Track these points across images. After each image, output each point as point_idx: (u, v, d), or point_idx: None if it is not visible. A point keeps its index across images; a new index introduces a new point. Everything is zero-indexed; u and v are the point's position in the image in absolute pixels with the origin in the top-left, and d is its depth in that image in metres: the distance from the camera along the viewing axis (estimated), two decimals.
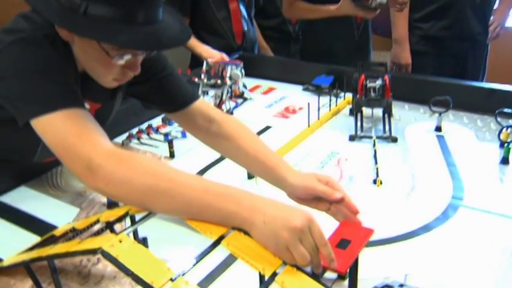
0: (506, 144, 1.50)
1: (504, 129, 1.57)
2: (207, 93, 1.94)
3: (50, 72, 0.95)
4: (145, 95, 1.27)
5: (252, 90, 2.19)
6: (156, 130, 1.78)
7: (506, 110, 1.70)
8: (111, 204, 1.22)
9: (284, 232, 0.75)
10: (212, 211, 0.80)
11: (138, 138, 1.72)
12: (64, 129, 0.90)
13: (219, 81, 1.88)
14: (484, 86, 1.91)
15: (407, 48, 2.42)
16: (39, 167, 1.44)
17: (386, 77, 1.68)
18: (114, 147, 0.89)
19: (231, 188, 0.83)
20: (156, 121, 1.85)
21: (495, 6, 2.56)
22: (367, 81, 1.69)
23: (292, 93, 2.14)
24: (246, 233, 0.79)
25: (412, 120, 1.82)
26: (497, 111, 1.69)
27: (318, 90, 2.05)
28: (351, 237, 0.88)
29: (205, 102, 1.29)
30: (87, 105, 1.08)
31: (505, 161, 1.48)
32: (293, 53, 2.83)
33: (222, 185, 0.83)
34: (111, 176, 0.83)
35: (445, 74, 2.30)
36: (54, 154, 0.91)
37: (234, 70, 1.91)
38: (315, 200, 1.04)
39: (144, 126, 1.80)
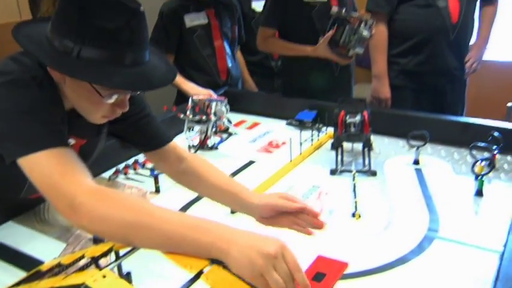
0: (480, 177, 1.55)
1: (478, 162, 1.62)
2: (193, 129, 1.99)
3: (36, 113, 1.00)
4: (123, 134, 1.35)
5: (237, 125, 2.24)
6: (143, 165, 1.82)
7: (480, 143, 1.76)
8: (97, 240, 1.25)
9: (259, 259, 0.78)
10: (189, 243, 0.83)
11: (125, 174, 1.76)
12: (49, 168, 0.94)
13: (204, 118, 1.93)
14: (459, 120, 1.98)
15: (386, 83, 2.50)
16: (26, 203, 1.47)
17: (366, 113, 1.74)
18: (96, 185, 0.93)
19: (206, 221, 0.87)
20: (143, 156, 1.88)
21: (471, 42, 2.65)
22: (347, 117, 1.75)
23: (276, 128, 2.20)
24: (225, 266, 0.82)
25: (392, 154, 1.88)
26: (471, 145, 1.75)
27: (301, 125, 2.11)
28: (326, 271, 0.92)
29: (176, 143, 1.37)
30: (72, 141, 1.16)
31: (479, 193, 1.53)
32: (277, 88, 2.90)
33: (198, 219, 0.87)
34: (93, 214, 0.88)
35: (424, 107, 2.37)
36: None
37: (219, 106, 1.97)
38: (281, 216, 1.14)
39: (130, 161, 1.84)
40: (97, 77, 0.99)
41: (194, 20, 2.45)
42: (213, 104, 1.96)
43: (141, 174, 1.76)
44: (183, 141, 2.00)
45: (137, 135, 1.33)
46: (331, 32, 2.17)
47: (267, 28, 2.41)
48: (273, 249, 0.80)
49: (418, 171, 1.72)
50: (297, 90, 2.42)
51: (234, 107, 2.28)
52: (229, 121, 2.14)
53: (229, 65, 2.56)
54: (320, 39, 2.24)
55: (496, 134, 1.75)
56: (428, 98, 2.52)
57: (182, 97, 2.34)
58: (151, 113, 1.35)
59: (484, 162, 1.63)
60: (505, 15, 3.67)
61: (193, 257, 0.83)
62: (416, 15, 2.41)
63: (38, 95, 1.02)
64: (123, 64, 1.00)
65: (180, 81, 2.40)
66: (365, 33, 2.11)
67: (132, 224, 0.86)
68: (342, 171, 1.70)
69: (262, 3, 2.79)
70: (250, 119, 2.32)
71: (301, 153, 1.84)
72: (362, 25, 2.11)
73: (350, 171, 1.68)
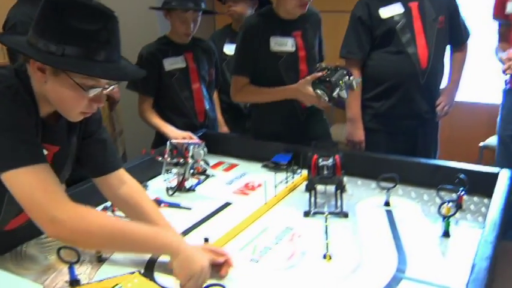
0: (446, 218, 1.61)
1: (445, 204, 1.68)
2: (170, 171, 2.04)
3: (14, 130, 1.14)
4: (78, 153, 1.46)
5: (214, 167, 2.29)
6: None
7: (446, 186, 1.83)
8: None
9: (190, 269, 1.23)
10: (151, 248, 1.30)
11: (113, 211, 1.78)
12: (29, 185, 1.11)
13: (181, 160, 1.98)
14: (429, 163, 2.06)
15: (360, 127, 2.58)
16: (2, 240, 1.49)
17: (337, 157, 1.81)
18: (74, 203, 1.14)
19: (165, 231, 1.34)
20: None
21: (442, 86, 2.75)
22: (320, 160, 1.82)
23: (253, 170, 2.25)
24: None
25: (364, 196, 1.94)
26: (438, 187, 1.82)
27: (277, 168, 2.16)
28: None
29: (123, 171, 1.50)
30: (46, 151, 1.27)
31: (446, 234, 1.59)
32: (248, 129, 2.95)
33: (157, 229, 1.32)
34: (73, 230, 1.10)
35: (397, 150, 2.44)
36: (16, 214, 1.06)
37: (196, 149, 2.03)
38: None
39: (109, 203, 1.86)
40: (81, 68, 1.14)
41: (173, 63, 2.53)
42: (191, 147, 2.01)
43: None
44: (161, 183, 2.04)
45: (89, 158, 1.47)
46: (320, 73, 2.12)
47: (241, 77, 2.34)
48: (206, 264, 1.26)
49: (389, 213, 1.77)
50: (265, 133, 2.42)
51: (212, 149, 2.33)
52: (207, 163, 2.19)
53: (207, 107, 2.63)
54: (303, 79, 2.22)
55: (462, 176, 1.82)
56: (402, 140, 2.60)
57: (160, 139, 2.39)
58: (108, 139, 1.49)
59: (450, 204, 1.69)
60: (475, 58, 3.82)
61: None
62: (388, 61, 2.52)
63: (13, 107, 1.15)
64: (101, 60, 1.17)
65: (160, 123, 2.46)
66: (354, 83, 2.13)
67: (108, 237, 1.16)
68: (315, 213, 1.75)
69: (233, 46, 2.89)
70: (228, 161, 2.37)
71: (275, 196, 1.89)
72: (352, 77, 2.13)
73: (323, 213, 1.73)
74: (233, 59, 2.39)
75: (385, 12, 2.52)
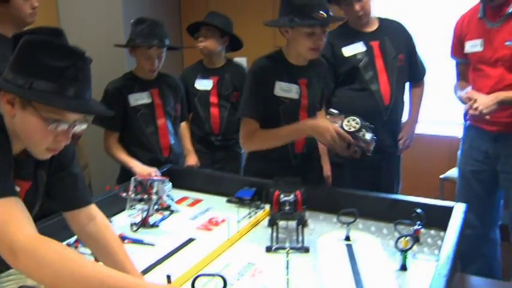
0: (404, 252, 1.66)
1: (402, 238, 1.73)
2: (134, 207, 2.05)
3: None
4: (49, 189, 1.47)
5: (179, 202, 2.30)
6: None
7: (404, 220, 1.89)
8: None
9: None
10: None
11: (76, 247, 1.77)
12: None
13: (145, 197, 2.00)
14: (388, 197, 2.12)
15: (326, 161, 2.63)
16: None
17: (299, 192, 1.85)
18: (35, 234, 1.13)
19: (119, 273, 1.15)
20: None
21: (403, 120, 2.85)
22: (281, 196, 1.86)
23: (217, 205, 2.27)
24: None
25: (326, 230, 1.98)
26: (396, 221, 1.87)
27: (240, 202, 2.19)
28: None
29: (94, 207, 1.51)
30: (18, 188, 1.27)
31: (403, 267, 1.64)
32: (217, 161, 2.99)
33: (113, 271, 1.14)
34: (30, 260, 1.08)
35: (361, 184, 2.51)
36: None
37: (161, 186, 2.05)
38: None
39: (72, 239, 1.86)
40: (46, 99, 1.18)
41: (138, 99, 2.56)
42: (155, 184, 2.04)
43: (82, 253, 1.78)
44: (125, 219, 2.05)
45: (60, 192, 1.48)
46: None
47: (251, 120, 2.21)
48: None
49: (349, 247, 1.81)
50: (257, 173, 2.34)
51: (177, 184, 2.36)
52: (171, 199, 2.21)
53: (172, 142, 2.66)
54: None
55: (418, 210, 1.88)
56: (366, 174, 2.67)
57: (125, 174, 2.41)
58: (80, 174, 1.51)
59: (408, 238, 1.74)
60: (436, 91, 3.96)
61: None
62: (352, 98, 2.59)
63: None
64: (69, 96, 1.20)
65: (125, 158, 2.48)
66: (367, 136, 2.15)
67: (62, 273, 1.07)
68: (276, 249, 1.78)
69: (204, 81, 2.93)
70: (193, 196, 2.39)
71: (238, 231, 1.91)
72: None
73: (284, 248, 1.76)
74: (242, 102, 2.26)
75: (348, 51, 2.62)
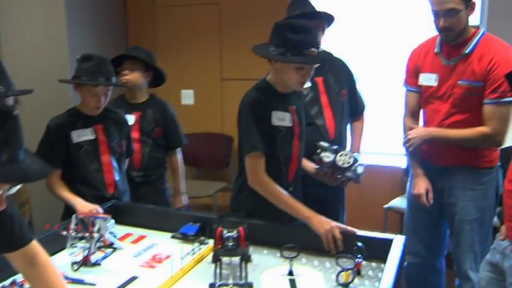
0: (345, 286, 1.69)
1: (343, 272, 1.77)
2: (75, 246, 2.01)
3: None
4: None
5: (122, 239, 2.27)
6: (21, 285, 1.79)
7: (345, 254, 1.92)
8: None
9: None
10: None
11: (21, 286, 1.72)
12: None
13: (87, 235, 1.96)
14: None
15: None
16: None
17: (242, 228, 1.86)
18: None
19: None
20: (20, 276, 1.86)
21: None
22: (225, 232, 1.87)
23: (162, 241, 2.25)
24: None
25: (270, 265, 1.99)
26: (337, 255, 1.90)
27: (185, 238, 2.19)
28: None
29: (34, 245, 1.49)
30: None
31: None
32: (140, 197, 2.95)
33: None
34: None
35: None
36: None
37: (103, 223, 2.02)
38: None
39: (7, 282, 1.80)
40: None
41: (81, 135, 2.53)
42: (97, 221, 2.01)
43: None
44: (65, 258, 2.00)
45: None
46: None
47: (257, 153, 2.17)
48: None
49: (292, 282, 1.83)
50: (248, 209, 2.24)
51: (121, 220, 2.33)
52: (114, 236, 2.17)
53: (116, 178, 2.62)
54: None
55: (359, 244, 1.92)
56: (312, 207, 2.70)
57: (70, 211, 2.35)
58: (16, 214, 1.47)
59: (349, 271, 1.78)
60: (381, 123, 4.09)
61: None
62: None
63: None
64: (3, 161, 1.14)
65: (67, 196, 2.43)
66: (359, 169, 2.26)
67: None
68: (220, 285, 1.78)
69: (126, 116, 2.89)
70: (136, 232, 2.36)
71: (182, 268, 1.90)
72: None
73: (227, 285, 1.76)
74: (243, 138, 2.22)
75: None
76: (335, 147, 2.29)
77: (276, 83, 2.25)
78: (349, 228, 2.09)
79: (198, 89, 4.62)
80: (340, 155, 2.22)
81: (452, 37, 2.48)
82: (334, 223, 2.09)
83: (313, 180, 2.62)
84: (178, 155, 3.26)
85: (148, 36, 4.78)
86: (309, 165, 2.44)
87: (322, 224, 2.09)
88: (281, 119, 2.22)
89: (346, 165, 2.21)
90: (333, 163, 2.23)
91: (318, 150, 2.28)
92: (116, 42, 4.58)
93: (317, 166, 2.38)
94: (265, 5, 4.14)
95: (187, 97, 4.71)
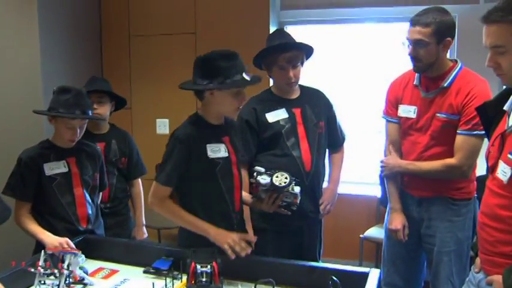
0: None
1: None
2: (44, 283, 1.95)
3: None
4: None
5: (93, 274, 2.21)
6: None
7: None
8: None
9: None
10: None
11: None
12: None
13: (56, 271, 1.91)
14: (305, 265, 2.14)
15: (249, 226, 2.63)
16: None
17: (215, 263, 1.84)
18: None
19: None
20: None
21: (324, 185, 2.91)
22: (198, 267, 1.83)
23: (134, 276, 2.20)
24: None
25: None
26: None
27: (158, 273, 2.14)
28: None
29: None
30: None
31: None
32: (109, 227, 2.88)
33: None
34: None
35: (284, 248, 2.55)
36: None
37: (73, 258, 1.97)
38: None
39: None
40: None
41: (54, 168, 2.48)
42: (67, 257, 1.95)
43: None
44: None
45: None
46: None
47: (165, 187, 2.21)
48: None
49: None
50: (195, 241, 2.21)
51: (94, 255, 2.30)
52: (85, 271, 2.12)
53: (89, 212, 2.57)
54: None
55: (334, 278, 1.90)
56: (288, 239, 2.70)
57: (41, 247, 2.28)
58: None
59: None
60: (357, 153, 4.12)
61: None
62: (274, 164, 2.58)
63: None
64: None
65: (36, 230, 2.37)
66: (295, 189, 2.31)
67: None
68: None
69: None
70: (108, 266, 2.30)
71: None
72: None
73: None
74: (162, 167, 2.22)
75: (271, 117, 2.68)
76: (270, 171, 2.30)
77: (208, 115, 2.27)
78: (249, 236, 2.17)
79: (173, 118, 4.59)
80: (276, 176, 2.26)
81: (422, 68, 2.53)
82: (234, 235, 2.14)
83: (289, 214, 2.60)
84: (140, 185, 3.25)
85: (123, 65, 4.77)
86: (245, 196, 2.43)
87: (221, 235, 2.13)
88: (216, 151, 2.24)
89: (283, 184, 2.24)
90: (270, 184, 2.25)
91: (255, 174, 2.30)
92: (91, 71, 4.51)
93: (254, 194, 2.38)
94: (241, 35, 4.18)
95: (163, 126, 4.70)
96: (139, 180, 3.25)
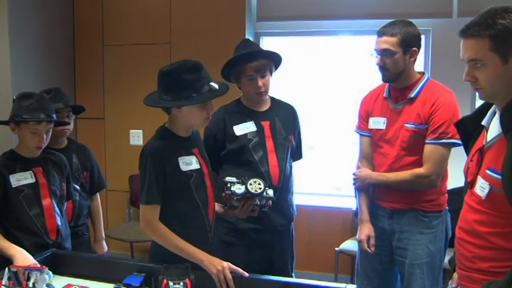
0: None
1: None
2: None
3: None
4: None
5: None
6: None
7: None
8: None
9: None
10: None
11: None
12: None
13: None
14: (280, 280, 2.10)
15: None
16: None
17: (188, 280, 1.79)
18: None
19: None
20: None
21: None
22: (170, 284, 1.79)
23: None
24: None
25: None
26: None
27: None
28: None
29: None
30: None
31: None
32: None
33: None
34: None
35: (254, 262, 2.51)
36: None
37: (39, 276, 1.90)
38: None
39: None
40: None
41: (20, 179, 2.40)
42: (33, 274, 1.88)
43: None
44: None
45: None
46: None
47: (154, 206, 2.14)
48: None
49: None
50: (169, 255, 2.14)
51: (61, 271, 2.22)
52: None
53: (59, 223, 2.50)
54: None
55: None
56: (259, 253, 2.66)
57: (8, 264, 2.20)
58: None
59: None
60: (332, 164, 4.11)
61: None
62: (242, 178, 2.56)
63: None
64: None
65: (4, 245, 2.26)
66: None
67: None
68: None
69: None
70: (77, 283, 2.22)
71: None
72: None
73: None
74: (142, 189, 2.17)
75: (239, 130, 2.64)
76: (241, 179, 2.29)
77: (176, 128, 2.23)
78: (240, 270, 2.06)
79: (147, 129, 4.52)
80: (250, 184, 2.25)
81: (389, 77, 2.58)
82: (225, 264, 2.05)
83: (259, 228, 2.58)
84: (99, 199, 3.20)
85: (97, 75, 4.71)
86: (215, 206, 2.37)
87: (214, 264, 2.05)
88: (188, 163, 2.21)
89: (259, 191, 2.24)
90: (246, 192, 2.24)
91: (228, 185, 2.27)
92: (63, 80, 4.47)
93: (226, 203, 2.33)
94: (217, 46, 4.16)
95: (136, 137, 4.63)
96: (98, 194, 3.21)
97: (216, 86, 2.12)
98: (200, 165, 2.25)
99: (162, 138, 2.22)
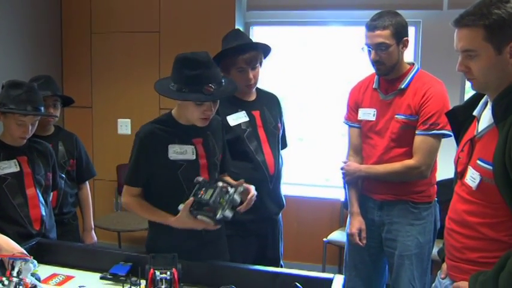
0: None
1: None
2: None
3: None
4: None
5: (46, 280, 2.10)
6: None
7: None
8: None
9: None
10: None
11: None
12: None
13: (4, 279, 1.80)
14: (268, 271, 2.08)
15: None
16: None
17: (175, 270, 1.77)
18: None
19: None
20: None
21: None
22: (157, 274, 1.76)
23: (90, 282, 2.10)
24: None
25: None
26: None
27: (115, 279, 2.06)
28: None
29: None
30: None
31: None
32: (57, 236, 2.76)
33: None
34: None
35: (250, 252, 2.54)
36: None
37: (24, 265, 1.86)
38: None
39: None
40: None
41: (4, 168, 2.37)
42: (17, 263, 1.84)
43: None
44: None
45: None
46: (190, 200, 2.02)
47: (132, 188, 2.21)
48: None
49: None
50: (163, 249, 2.08)
51: (46, 260, 2.19)
52: (37, 278, 2.01)
53: (43, 213, 2.47)
54: (180, 207, 2.05)
55: (297, 285, 1.86)
56: (254, 242, 2.66)
57: None
58: None
59: None
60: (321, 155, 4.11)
61: None
62: (239, 169, 2.50)
63: None
64: None
65: None
66: (237, 197, 2.07)
67: None
68: None
69: None
70: (63, 272, 2.19)
71: None
72: (232, 190, 2.07)
73: None
74: (128, 169, 2.22)
75: (232, 120, 2.61)
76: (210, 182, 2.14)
77: (179, 116, 2.20)
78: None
79: (135, 118, 4.49)
80: (207, 183, 2.10)
81: (384, 71, 2.56)
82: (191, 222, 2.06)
83: (256, 217, 2.55)
84: (88, 188, 3.16)
85: (84, 63, 4.65)
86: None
87: (178, 219, 2.07)
88: (180, 152, 2.16)
89: (203, 191, 2.05)
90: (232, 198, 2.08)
91: (197, 186, 2.10)
92: (51, 68, 4.40)
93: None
94: (206, 35, 4.11)
95: (124, 126, 4.58)
96: (87, 183, 3.16)
97: (211, 88, 2.05)
98: (197, 156, 2.19)
99: (158, 123, 2.19)
